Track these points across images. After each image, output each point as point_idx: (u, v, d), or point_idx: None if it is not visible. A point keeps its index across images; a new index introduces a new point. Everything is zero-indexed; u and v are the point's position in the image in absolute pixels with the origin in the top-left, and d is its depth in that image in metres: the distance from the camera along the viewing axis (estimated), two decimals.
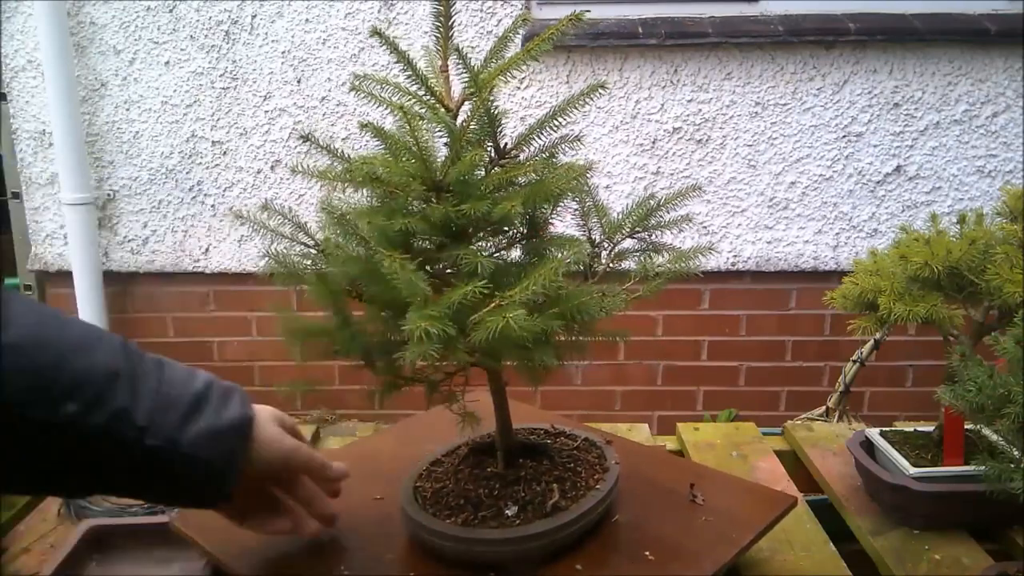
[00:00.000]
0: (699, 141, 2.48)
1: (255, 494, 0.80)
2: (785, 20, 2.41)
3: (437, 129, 0.74)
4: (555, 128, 0.78)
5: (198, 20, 2.45)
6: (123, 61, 2.49)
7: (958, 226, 1.06)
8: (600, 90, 0.77)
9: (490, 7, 2.41)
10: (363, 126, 0.74)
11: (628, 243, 0.87)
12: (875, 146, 2.47)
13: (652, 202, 0.86)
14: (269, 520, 0.82)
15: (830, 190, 2.51)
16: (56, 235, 2.58)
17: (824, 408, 1.98)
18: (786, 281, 2.59)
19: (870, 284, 1.08)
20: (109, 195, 2.58)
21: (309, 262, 0.79)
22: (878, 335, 1.77)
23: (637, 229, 0.87)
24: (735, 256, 2.55)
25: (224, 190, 2.57)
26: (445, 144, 0.75)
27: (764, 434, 1.34)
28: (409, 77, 0.77)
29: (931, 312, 1.02)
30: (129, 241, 2.61)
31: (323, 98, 2.50)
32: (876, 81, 2.43)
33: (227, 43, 2.47)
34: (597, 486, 0.85)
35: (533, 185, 0.75)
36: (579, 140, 0.80)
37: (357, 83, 0.76)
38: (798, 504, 1.00)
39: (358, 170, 0.73)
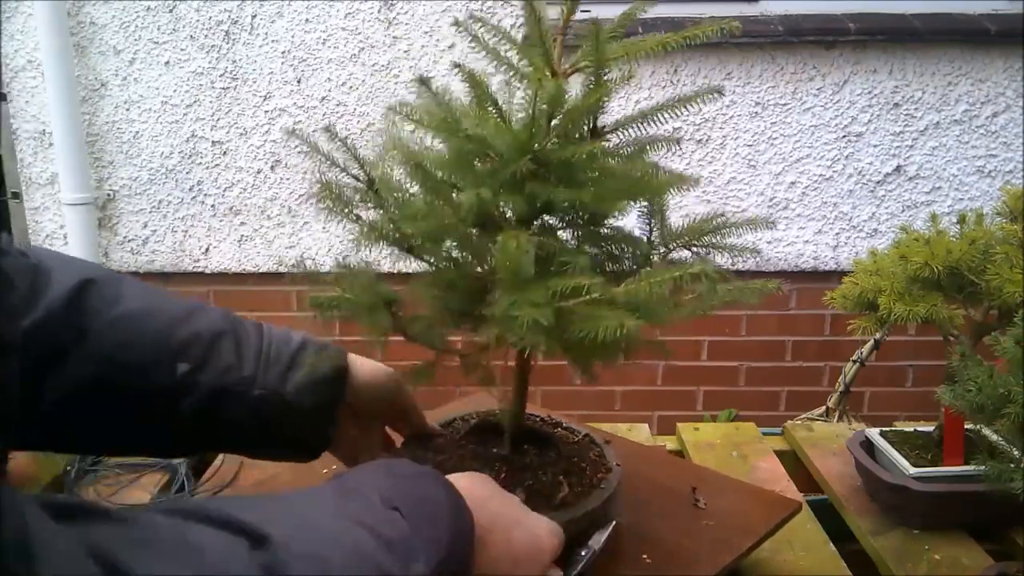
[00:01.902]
0: (699, 141, 2.48)
1: (364, 435, 0.85)
2: (785, 20, 2.41)
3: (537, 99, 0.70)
4: (652, 122, 0.75)
5: (198, 20, 2.45)
6: (123, 61, 2.49)
7: (958, 226, 1.06)
8: (716, 95, 0.76)
9: (490, 7, 2.41)
10: (422, 82, 0.72)
11: (683, 253, 0.85)
12: (875, 146, 2.47)
13: (719, 220, 0.84)
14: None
15: (830, 190, 2.51)
16: (56, 235, 2.58)
17: (824, 408, 1.98)
18: (786, 281, 2.59)
19: (870, 284, 1.08)
20: (109, 195, 2.58)
21: (358, 197, 0.76)
22: (878, 335, 1.76)
23: (695, 242, 0.85)
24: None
25: (224, 190, 2.57)
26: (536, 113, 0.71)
27: (764, 434, 1.34)
28: (508, 49, 0.74)
29: (931, 312, 1.02)
30: (129, 241, 2.61)
31: (323, 98, 2.50)
32: (876, 81, 2.43)
33: (227, 43, 2.47)
34: (602, 484, 0.84)
35: (638, 181, 0.73)
36: (677, 142, 0.77)
37: (464, 26, 0.73)
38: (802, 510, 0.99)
39: (465, 122, 0.70)
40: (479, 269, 0.75)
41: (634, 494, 0.94)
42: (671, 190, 0.76)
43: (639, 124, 0.75)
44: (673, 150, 0.77)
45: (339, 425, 0.80)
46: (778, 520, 0.92)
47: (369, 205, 0.75)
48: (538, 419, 0.98)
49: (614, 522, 0.85)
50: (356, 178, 0.76)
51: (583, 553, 0.81)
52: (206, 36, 2.47)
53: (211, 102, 2.51)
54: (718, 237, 0.83)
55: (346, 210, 0.75)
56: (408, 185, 0.74)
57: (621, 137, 0.76)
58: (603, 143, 0.74)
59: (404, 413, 0.87)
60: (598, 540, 0.83)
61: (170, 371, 0.69)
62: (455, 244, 0.75)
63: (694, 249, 0.84)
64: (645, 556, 0.83)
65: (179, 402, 0.70)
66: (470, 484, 0.64)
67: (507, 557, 0.63)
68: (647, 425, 1.36)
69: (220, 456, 1.20)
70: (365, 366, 0.82)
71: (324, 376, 0.77)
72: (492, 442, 0.87)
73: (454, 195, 0.71)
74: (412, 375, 0.79)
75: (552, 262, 0.69)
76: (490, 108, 0.73)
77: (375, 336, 0.75)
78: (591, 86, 0.71)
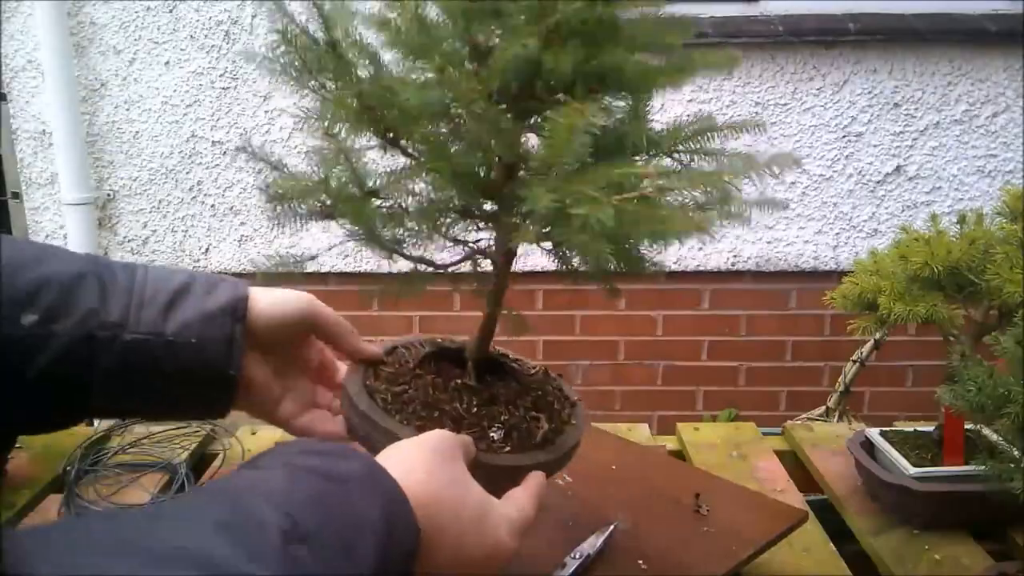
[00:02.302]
0: None
1: (281, 379, 0.73)
2: (785, 20, 2.41)
3: None
4: None
5: (198, 20, 2.45)
6: (123, 61, 2.49)
7: (958, 226, 1.06)
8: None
9: None
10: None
11: (665, 161, 0.72)
12: (875, 146, 2.47)
13: (702, 122, 0.70)
14: (306, 412, 0.74)
15: (830, 190, 2.51)
16: (56, 235, 2.58)
17: (824, 408, 1.98)
18: (786, 281, 2.59)
19: (870, 284, 1.08)
20: (109, 195, 2.58)
21: (317, 64, 0.62)
22: (878, 335, 1.77)
23: (676, 147, 0.71)
24: (735, 256, 2.55)
25: (224, 190, 2.57)
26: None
27: (764, 434, 1.34)
28: None
29: (931, 312, 1.02)
30: (129, 241, 2.61)
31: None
32: (876, 81, 2.43)
33: (227, 43, 2.47)
34: (572, 420, 0.76)
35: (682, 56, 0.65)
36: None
37: None
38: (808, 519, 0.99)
39: None
40: (495, 156, 0.63)
41: (637, 499, 0.93)
42: (713, 70, 0.68)
43: None
44: None
45: (243, 367, 0.67)
46: (782, 530, 0.91)
47: (328, 75, 0.61)
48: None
49: (612, 525, 0.84)
50: (315, 39, 0.61)
51: (576, 556, 0.81)
52: (206, 36, 2.47)
53: (211, 102, 2.51)
54: (702, 142, 0.71)
55: (307, 75, 0.61)
56: (383, 50, 0.61)
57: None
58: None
59: (333, 339, 0.74)
60: (594, 544, 0.82)
61: (13, 323, 0.58)
62: (463, 123, 0.62)
63: (676, 156, 0.72)
64: (641, 562, 0.82)
65: (34, 359, 0.59)
66: (428, 473, 0.55)
67: (454, 565, 0.55)
68: (647, 425, 1.36)
69: (220, 456, 1.20)
70: (269, 293, 0.70)
71: (215, 308, 0.65)
72: (451, 372, 0.75)
73: (466, 63, 0.58)
74: (400, 284, 0.68)
75: (601, 145, 0.58)
76: None
77: (360, 224, 0.63)
78: None
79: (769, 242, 2.54)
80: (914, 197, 2.50)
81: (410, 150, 0.63)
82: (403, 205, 0.67)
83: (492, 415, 0.72)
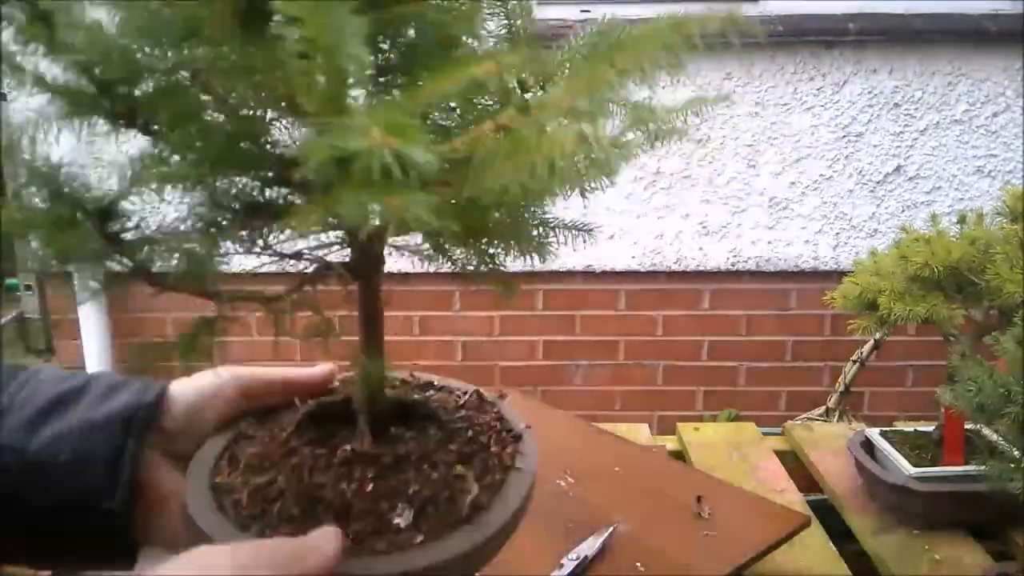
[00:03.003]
0: (699, 141, 2.48)
1: None
2: (785, 20, 2.41)
3: None
4: None
5: None
6: None
7: (958, 226, 1.07)
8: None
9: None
10: None
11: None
12: (875, 146, 2.47)
13: (614, 33, 0.47)
14: None
15: (830, 190, 2.51)
16: None
17: (824, 408, 1.98)
18: (786, 281, 2.59)
19: (870, 284, 1.08)
20: None
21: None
22: (878, 335, 1.77)
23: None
24: (735, 256, 2.55)
25: None
26: None
27: (764, 434, 1.34)
28: None
29: (931, 312, 1.02)
30: None
31: None
32: (876, 81, 2.43)
33: None
34: (517, 464, 0.54)
35: None
36: None
37: None
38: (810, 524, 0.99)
39: None
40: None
41: (638, 501, 0.93)
42: None
43: None
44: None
45: (153, 490, 0.50)
46: (783, 534, 0.91)
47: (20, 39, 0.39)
48: (398, 381, 0.64)
49: (612, 527, 0.84)
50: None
51: (574, 557, 0.80)
52: None
53: None
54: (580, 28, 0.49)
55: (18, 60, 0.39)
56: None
57: None
58: None
59: (272, 391, 0.57)
60: (592, 545, 0.82)
61: None
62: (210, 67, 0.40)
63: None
64: (639, 564, 0.82)
65: None
66: None
67: None
68: (647, 425, 1.36)
69: None
70: (187, 384, 0.54)
71: (102, 418, 0.49)
72: (338, 433, 0.54)
73: None
74: (180, 346, 0.50)
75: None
76: None
77: (85, 281, 0.46)
78: None
79: (769, 242, 2.54)
80: (914, 197, 2.50)
81: (154, 126, 0.42)
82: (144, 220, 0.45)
83: (396, 490, 0.50)
